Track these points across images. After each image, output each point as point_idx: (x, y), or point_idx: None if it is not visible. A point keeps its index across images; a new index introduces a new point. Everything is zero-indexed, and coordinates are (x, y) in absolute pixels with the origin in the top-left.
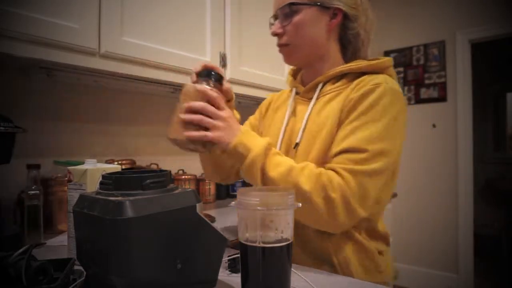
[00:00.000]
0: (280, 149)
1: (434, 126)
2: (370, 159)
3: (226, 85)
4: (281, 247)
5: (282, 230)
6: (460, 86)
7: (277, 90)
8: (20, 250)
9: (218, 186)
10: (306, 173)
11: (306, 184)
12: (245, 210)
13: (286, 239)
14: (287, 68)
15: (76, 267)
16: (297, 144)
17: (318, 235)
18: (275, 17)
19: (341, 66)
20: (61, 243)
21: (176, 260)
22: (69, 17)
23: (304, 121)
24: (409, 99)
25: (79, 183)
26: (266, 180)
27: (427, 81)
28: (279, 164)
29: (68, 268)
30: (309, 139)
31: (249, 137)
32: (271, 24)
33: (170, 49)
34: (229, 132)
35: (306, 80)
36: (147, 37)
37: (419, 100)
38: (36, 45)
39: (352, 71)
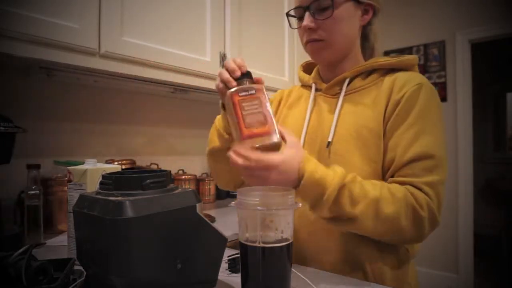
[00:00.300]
0: (303, 146)
1: None
2: (439, 165)
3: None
4: (281, 247)
5: (282, 230)
6: (460, 86)
7: (277, 90)
8: (20, 250)
9: (218, 186)
10: (392, 200)
11: (391, 211)
12: (245, 210)
13: (286, 239)
14: (287, 68)
15: (76, 267)
16: (329, 143)
17: (353, 243)
18: (302, 10)
19: (371, 61)
20: (61, 243)
21: (176, 260)
22: (69, 17)
23: (335, 118)
24: None
25: (79, 183)
26: (345, 216)
27: None
28: (357, 201)
29: (68, 268)
30: (344, 138)
31: (308, 189)
32: (297, 17)
33: (170, 49)
34: (284, 184)
35: (326, 76)
36: (147, 37)
37: None
38: (36, 45)
39: (382, 67)
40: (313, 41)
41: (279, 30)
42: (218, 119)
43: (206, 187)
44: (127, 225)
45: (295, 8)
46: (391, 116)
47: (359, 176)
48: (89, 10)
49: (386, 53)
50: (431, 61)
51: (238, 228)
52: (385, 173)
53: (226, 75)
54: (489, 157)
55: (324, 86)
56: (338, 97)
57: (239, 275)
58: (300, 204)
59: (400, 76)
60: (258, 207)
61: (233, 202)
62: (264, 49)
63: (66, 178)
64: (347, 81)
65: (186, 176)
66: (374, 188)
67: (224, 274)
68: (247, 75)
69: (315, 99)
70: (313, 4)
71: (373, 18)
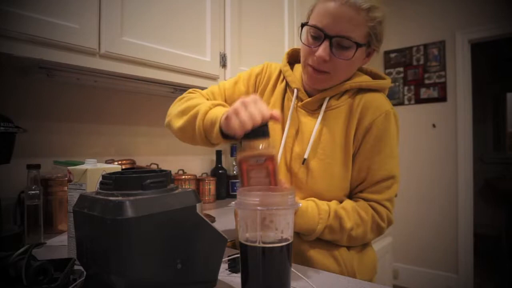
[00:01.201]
0: (280, 158)
1: (434, 126)
2: (396, 182)
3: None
4: (281, 247)
5: (282, 230)
6: (460, 86)
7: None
8: (20, 250)
9: (218, 186)
10: (361, 223)
11: (361, 233)
12: (245, 210)
13: (286, 239)
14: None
15: (76, 267)
16: (305, 160)
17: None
18: (322, 34)
19: (350, 82)
20: (61, 243)
21: (176, 260)
22: (69, 17)
23: (312, 136)
24: (409, 99)
25: (79, 183)
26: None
27: (427, 81)
28: (336, 233)
29: (68, 268)
30: (319, 156)
31: (303, 219)
32: (313, 37)
33: (170, 49)
34: None
35: (309, 87)
36: (147, 37)
37: (419, 100)
38: (35, 45)
39: (360, 87)
40: (319, 71)
41: (279, 30)
42: (215, 115)
43: (206, 187)
44: (127, 225)
45: (316, 27)
46: (361, 140)
47: (327, 189)
48: (89, 10)
49: (386, 53)
50: (431, 61)
51: (238, 228)
52: (353, 186)
53: (241, 123)
54: (489, 157)
55: (305, 97)
56: (317, 115)
57: (239, 275)
58: (301, 204)
59: (369, 100)
60: (258, 207)
61: (233, 202)
62: (264, 49)
63: (66, 178)
64: (326, 100)
65: (186, 176)
66: (348, 219)
67: (224, 274)
68: (262, 133)
69: (295, 111)
70: (337, 38)
71: None
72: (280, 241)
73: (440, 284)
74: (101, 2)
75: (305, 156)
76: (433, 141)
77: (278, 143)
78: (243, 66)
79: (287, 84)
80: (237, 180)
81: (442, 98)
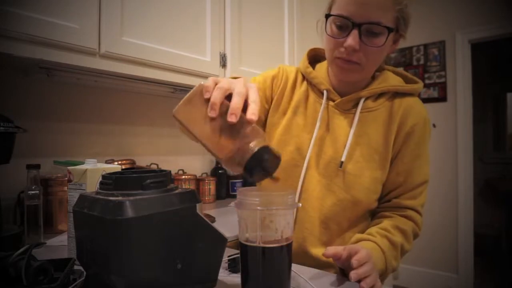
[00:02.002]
0: (308, 161)
1: (434, 126)
2: (427, 187)
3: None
4: (281, 247)
5: (282, 230)
6: (460, 86)
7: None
8: (20, 250)
9: (218, 186)
10: (406, 239)
11: (408, 246)
12: (245, 210)
13: (286, 239)
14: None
15: (76, 267)
16: (342, 163)
17: (330, 234)
18: (349, 23)
19: (386, 84)
20: (61, 243)
21: (176, 260)
22: (69, 17)
23: (350, 138)
24: None
25: (79, 183)
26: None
27: (427, 81)
28: (393, 254)
29: (68, 268)
30: (356, 158)
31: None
32: (337, 24)
33: (170, 49)
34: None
35: (339, 86)
36: (147, 37)
37: None
38: (36, 45)
39: (397, 91)
40: (349, 62)
41: (279, 30)
42: None
43: (206, 187)
44: (127, 225)
45: (342, 17)
46: (402, 144)
47: (363, 193)
48: (89, 10)
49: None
50: (431, 61)
51: (238, 228)
52: (386, 191)
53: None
54: (489, 157)
55: (336, 97)
56: (353, 115)
57: (239, 275)
58: (300, 204)
59: (410, 105)
60: (258, 207)
61: (233, 202)
62: (264, 48)
63: (66, 178)
64: (362, 100)
65: (186, 176)
66: (395, 236)
67: (224, 274)
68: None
69: (327, 110)
70: (367, 25)
71: None
72: (280, 241)
73: (440, 284)
74: (101, 2)
75: (342, 159)
76: (433, 141)
77: (305, 146)
78: (243, 66)
79: (311, 86)
80: (237, 180)
81: (442, 98)
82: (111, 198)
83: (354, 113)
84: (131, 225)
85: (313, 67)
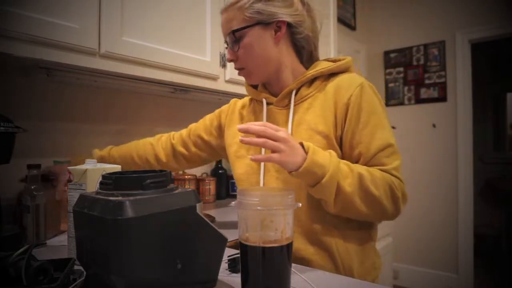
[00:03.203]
0: (263, 165)
1: (434, 126)
2: (396, 151)
3: None
4: (281, 247)
5: (282, 230)
6: (460, 86)
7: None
8: (20, 250)
9: (218, 186)
10: (373, 180)
11: (376, 190)
12: (245, 210)
13: (286, 239)
14: None
15: (76, 267)
16: None
17: (324, 229)
18: (227, 43)
19: (312, 71)
20: (61, 243)
21: (176, 260)
22: (69, 17)
23: (289, 128)
24: (409, 99)
25: (79, 183)
26: (339, 194)
27: (427, 81)
28: (348, 175)
29: (68, 268)
30: None
31: (319, 155)
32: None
33: (170, 49)
34: (295, 152)
35: (273, 89)
36: (147, 37)
37: (419, 100)
38: (36, 45)
39: (322, 74)
40: (238, 70)
41: None
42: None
43: (206, 187)
44: (127, 225)
45: (224, 41)
46: (344, 119)
47: None
48: (89, 10)
49: (386, 53)
50: (431, 61)
51: (238, 228)
52: None
53: None
54: (489, 157)
55: (273, 99)
56: (289, 108)
57: (239, 275)
58: (300, 204)
59: (341, 80)
60: (258, 207)
61: (233, 202)
62: None
63: (66, 179)
64: (294, 92)
65: (186, 176)
66: (356, 166)
67: (224, 274)
68: None
69: (268, 112)
70: (228, 36)
71: (297, 28)
72: (280, 241)
73: (440, 284)
74: (101, 2)
75: None
76: (433, 141)
77: (258, 151)
78: None
79: (256, 102)
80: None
81: (442, 98)
82: (111, 198)
83: (290, 106)
84: (131, 225)
85: (257, 87)
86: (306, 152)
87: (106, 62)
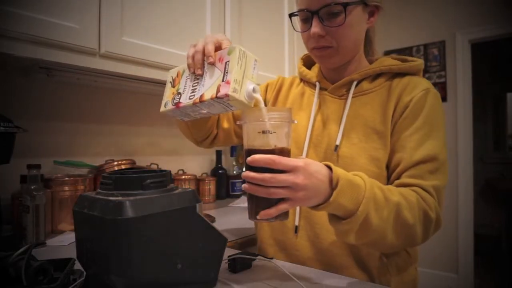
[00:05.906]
0: (307, 149)
1: None
2: (442, 169)
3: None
4: (281, 148)
5: (281, 140)
6: (460, 86)
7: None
8: (20, 250)
9: (218, 186)
10: (410, 206)
11: (412, 218)
12: (248, 123)
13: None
14: (288, 67)
15: (76, 267)
16: (337, 146)
17: (360, 249)
18: (309, 13)
19: (379, 65)
20: (61, 243)
21: (176, 260)
22: (69, 17)
23: (343, 121)
24: None
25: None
26: (368, 229)
27: None
28: (383, 207)
29: (68, 268)
30: (352, 141)
31: (346, 195)
32: (301, 19)
33: (170, 49)
34: (315, 190)
35: (330, 76)
36: (147, 37)
37: None
38: (36, 45)
39: (391, 71)
40: (322, 48)
41: (279, 29)
42: None
43: (206, 187)
44: (127, 225)
45: (301, 11)
46: (398, 118)
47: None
48: (89, 10)
49: (386, 53)
50: (431, 61)
51: (243, 139)
52: (391, 172)
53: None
54: (489, 157)
55: (329, 85)
56: (346, 99)
57: (239, 275)
58: (296, 121)
59: (409, 80)
60: (260, 119)
61: (233, 202)
62: (265, 48)
63: (170, 81)
64: (355, 83)
65: (186, 176)
66: (392, 193)
67: (224, 274)
68: None
69: (320, 98)
70: (323, 9)
71: (376, 18)
72: (276, 149)
73: (440, 284)
74: (101, 2)
75: (337, 143)
76: None
77: (302, 138)
78: None
79: (306, 84)
80: (237, 180)
81: (442, 98)
82: (111, 198)
83: (347, 97)
84: (131, 225)
85: (310, 69)
86: (332, 185)
87: (106, 62)
